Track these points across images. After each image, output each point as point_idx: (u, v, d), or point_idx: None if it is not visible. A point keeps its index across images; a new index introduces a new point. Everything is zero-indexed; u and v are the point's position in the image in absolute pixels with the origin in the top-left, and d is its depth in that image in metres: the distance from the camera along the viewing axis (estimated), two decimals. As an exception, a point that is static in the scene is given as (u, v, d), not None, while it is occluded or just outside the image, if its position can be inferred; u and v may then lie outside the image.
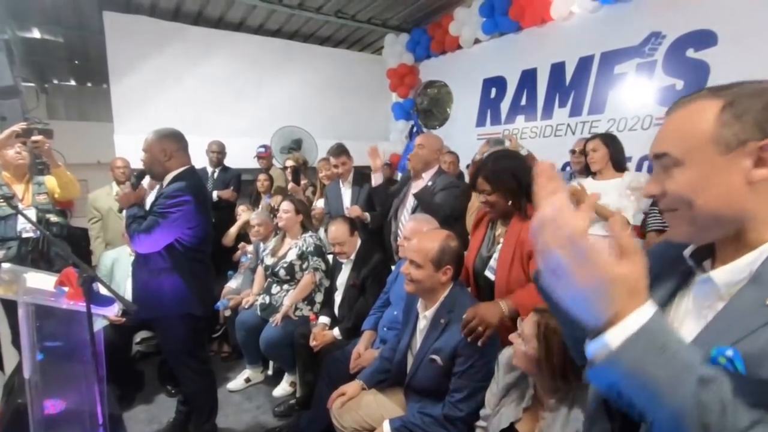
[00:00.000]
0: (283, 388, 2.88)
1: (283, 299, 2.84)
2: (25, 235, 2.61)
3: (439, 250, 1.59)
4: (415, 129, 5.74)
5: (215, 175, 4.30)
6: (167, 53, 4.78)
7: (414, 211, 2.68)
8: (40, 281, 1.62)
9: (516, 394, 1.26)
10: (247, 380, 3.00)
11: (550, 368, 1.15)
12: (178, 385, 2.52)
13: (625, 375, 0.49)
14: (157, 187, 2.23)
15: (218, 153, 4.30)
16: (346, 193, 3.28)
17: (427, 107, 5.99)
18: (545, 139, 4.47)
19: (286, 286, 2.88)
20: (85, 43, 5.58)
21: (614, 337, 0.49)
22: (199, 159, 4.19)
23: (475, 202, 2.86)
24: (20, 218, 2.44)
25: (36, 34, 5.07)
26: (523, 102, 4.71)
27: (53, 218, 2.77)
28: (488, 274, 1.77)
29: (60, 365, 1.75)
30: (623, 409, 0.53)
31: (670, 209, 0.65)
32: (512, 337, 1.23)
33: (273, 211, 3.89)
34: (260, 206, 4.11)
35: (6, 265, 1.62)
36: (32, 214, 2.66)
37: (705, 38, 3.29)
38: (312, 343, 2.52)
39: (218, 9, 5.01)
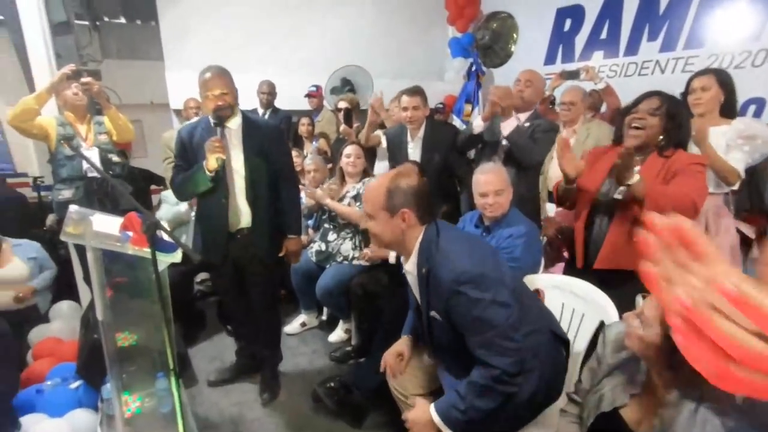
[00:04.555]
0: (337, 335, 2.90)
1: (340, 247, 2.77)
2: (90, 175, 2.64)
3: (387, 194, 1.39)
4: (474, 68, 5.27)
5: (266, 116, 4.18)
6: (214, -16, 4.52)
7: (506, 154, 2.46)
8: (106, 224, 1.61)
9: (622, 377, 1.09)
10: (303, 324, 3.05)
11: (667, 359, 0.96)
12: (237, 326, 2.58)
13: None
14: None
15: (268, 94, 4.16)
16: (415, 148, 2.78)
17: (487, 43, 5.44)
18: (627, 79, 3.95)
19: (343, 233, 2.79)
20: (132, -24, 5.40)
21: None
22: (250, 100, 4.06)
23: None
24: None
25: (84, -34, 4.92)
26: (604, 35, 4.14)
27: (115, 158, 2.78)
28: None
29: (130, 301, 1.80)
30: None
31: None
32: (628, 316, 1.04)
33: (323, 155, 3.75)
34: (307, 150, 3.97)
35: (74, 207, 1.61)
36: (95, 154, 2.67)
37: None
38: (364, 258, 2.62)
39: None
